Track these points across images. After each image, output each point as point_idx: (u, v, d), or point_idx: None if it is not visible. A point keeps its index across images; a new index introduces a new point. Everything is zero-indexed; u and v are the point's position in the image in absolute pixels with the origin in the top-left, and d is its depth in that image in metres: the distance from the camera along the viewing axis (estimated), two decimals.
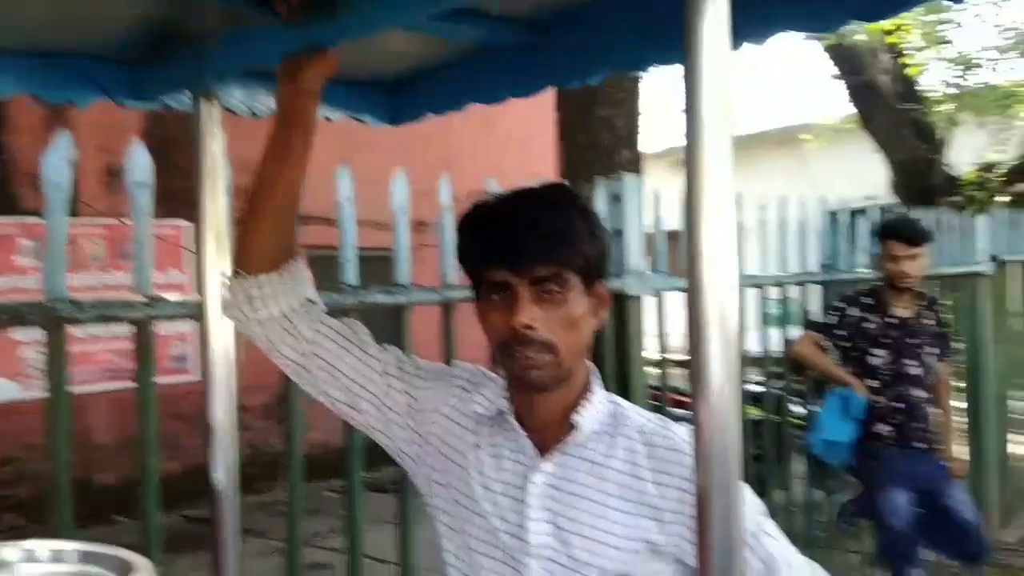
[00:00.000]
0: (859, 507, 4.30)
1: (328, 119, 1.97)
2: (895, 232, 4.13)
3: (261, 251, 1.54)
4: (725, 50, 1.04)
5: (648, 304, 3.18)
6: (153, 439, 1.96)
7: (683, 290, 3.25)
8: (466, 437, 1.51)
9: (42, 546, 1.40)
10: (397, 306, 2.44)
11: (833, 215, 4.57)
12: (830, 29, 1.69)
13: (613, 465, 1.44)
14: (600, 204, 2.99)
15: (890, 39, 10.76)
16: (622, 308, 3.00)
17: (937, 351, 4.23)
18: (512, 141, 9.72)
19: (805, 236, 4.31)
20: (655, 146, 11.65)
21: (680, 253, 3.42)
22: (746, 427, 1.11)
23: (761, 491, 1.48)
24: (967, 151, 11.52)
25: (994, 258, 5.88)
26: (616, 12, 1.67)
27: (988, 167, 11.42)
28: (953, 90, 11.64)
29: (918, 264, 4.10)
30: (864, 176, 11.49)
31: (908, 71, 11.00)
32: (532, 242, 1.36)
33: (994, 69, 11.76)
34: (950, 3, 5.70)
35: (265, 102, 1.91)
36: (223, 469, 1.79)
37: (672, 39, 1.57)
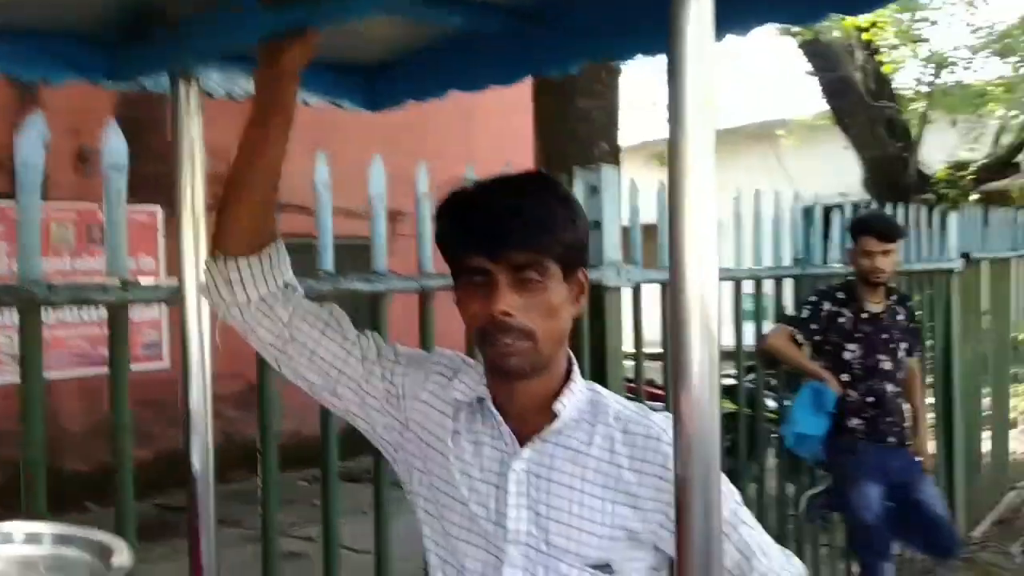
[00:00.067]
0: (830, 501, 4.34)
1: (306, 103, 1.95)
2: (868, 227, 4.17)
3: (240, 234, 1.52)
4: (710, 41, 1.04)
5: (624, 297, 3.19)
6: (127, 424, 1.94)
7: (660, 282, 3.25)
8: (445, 424, 1.51)
9: (17, 528, 1.38)
10: (375, 294, 2.43)
11: (807, 211, 4.60)
12: (812, 21, 1.71)
13: (592, 452, 1.45)
14: (578, 195, 2.99)
15: (866, 36, 10.84)
16: (599, 300, 3.00)
17: (908, 346, 4.28)
18: (488, 131, 9.72)
19: (779, 231, 4.34)
20: (631, 139, 11.67)
21: (655, 247, 3.44)
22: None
23: (734, 484, 1.49)
24: (939, 149, 11.64)
25: (965, 255, 5.94)
26: (599, 1, 1.66)
27: (960, 165, 11.55)
28: (926, 88, 11.74)
29: (891, 260, 4.13)
30: (837, 173, 11.58)
31: (883, 69, 11.09)
32: (511, 229, 1.35)
33: (965, 68, 11.88)
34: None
35: (243, 85, 1.89)
36: (199, 455, 1.77)
37: (656, 29, 1.58)
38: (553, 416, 1.44)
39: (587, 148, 5.59)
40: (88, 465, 7.18)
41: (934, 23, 11.96)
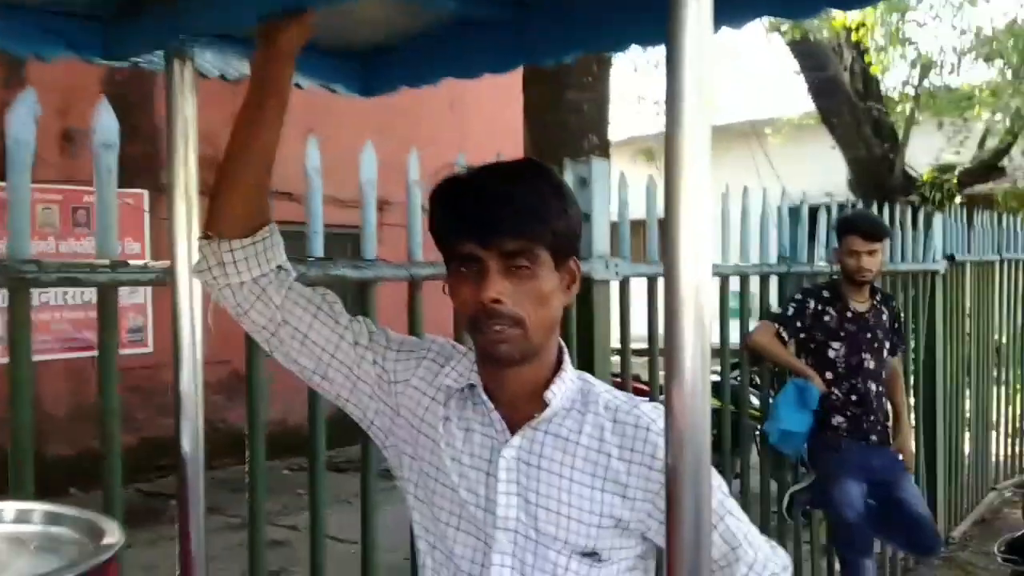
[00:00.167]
0: (813, 498, 4.36)
1: (299, 86, 1.94)
2: (854, 227, 4.19)
3: (234, 216, 1.52)
4: (709, 32, 1.04)
5: (612, 290, 3.19)
6: (116, 408, 1.93)
7: (648, 276, 3.25)
8: (436, 410, 1.51)
9: (7, 507, 1.38)
10: (363, 281, 2.42)
11: (794, 209, 4.62)
12: (807, 15, 1.71)
13: (581, 441, 1.45)
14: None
15: (854, 37, 10.88)
16: (587, 293, 3.00)
17: (891, 345, 4.31)
18: (477, 122, 9.70)
19: (766, 228, 4.35)
20: (618, 134, 11.68)
21: (640, 243, 3.44)
22: None
23: None
24: (925, 151, 11.70)
25: (950, 258, 5.97)
26: None
27: (945, 168, 11.61)
28: (912, 91, 11.80)
29: (876, 259, 4.15)
30: (823, 173, 11.62)
31: (871, 70, 11.13)
32: (502, 216, 1.36)
33: (952, 72, 11.93)
34: None
35: (236, 66, 1.88)
36: (189, 439, 1.76)
37: (652, 19, 1.59)
38: (544, 404, 1.45)
39: (577, 140, 5.59)
40: (72, 450, 7.14)
41: (922, 25, 12.02)
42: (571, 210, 1.44)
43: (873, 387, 4.17)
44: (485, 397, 1.48)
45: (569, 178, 2.97)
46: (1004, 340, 7.28)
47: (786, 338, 4.20)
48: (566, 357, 1.51)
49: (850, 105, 10.92)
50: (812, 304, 4.18)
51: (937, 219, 5.85)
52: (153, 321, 8.03)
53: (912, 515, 4.14)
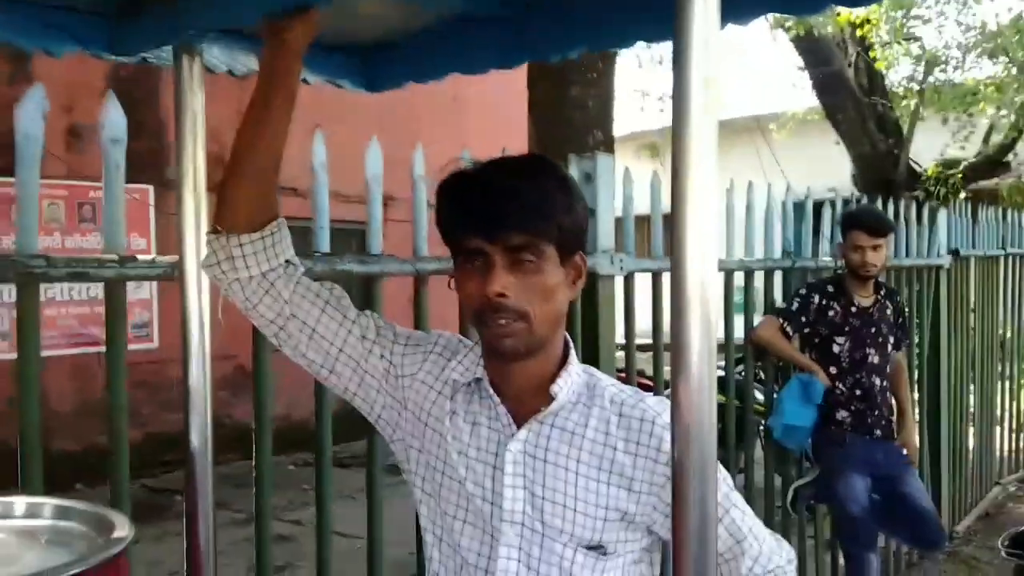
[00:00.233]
0: (817, 492, 4.36)
1: (306, 82, 1.95)
2: (858, 222, 4.18)
3: (242, 211, 1.52)
4: (715, 28, 1.05)
5: (617, 285, 3.20)
6: (123, 403, 1.94)
7: (653, 271, 3.25)
8: (443, 404, 1.52)
9: (18, 501, 1.39)
10: (369, 276, 2.43)
11: (799, 205, 4.62)
12: (813, 12, 1.71)
13: (587, 434, 1.46)
14: None
15: (859, 32, 10.87)
16: (593, 288, 3.00)
17: (896, 340, 4.32)
18: (481, 117, 9.70)
19: (770, 223, 4.35)
20: (622, 130, 11.69)
21: (644, 238, 3.45)
22: None
23: None
24: (929, 147, 11.69)
25: (954, 252, 5.97)
26: None
27: (950, 163, 11.60)
28: (917, 86, 11.78)
29: (880, 254, 4.15)
30: (827, 168, 11.62)
31: (875, 65, 11.12)
32: (508, 211, 1.37)
33: (956, 67, 11.92)
34: None
35: (244, 61, 1.89)
36: (197, 433, 1.77)
37: (657, 15, 1.59)
38: (550, 398, 1.45)
39: (581, 136, 5.60)
40: (77, 445, 7.16)
41: (927, 21, 12.00)
42: (577, 205, 1.45)
43: (877, 382, 4.17)
44: (491, 391, 1.49)
45: (574, 174, 2.98)
46: (1008, 335, 7.27)
47: (790, 333, 4.20)
48: (572, 351, 1.52)
49: (854, 101, 10.91)
50: (816, 299, 4.18)
51: (941, 214, 5.84)
52: (159, 317, 8.04)
53: (916, 509, 4.14)
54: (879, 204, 5.04)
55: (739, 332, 4.22)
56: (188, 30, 1.65)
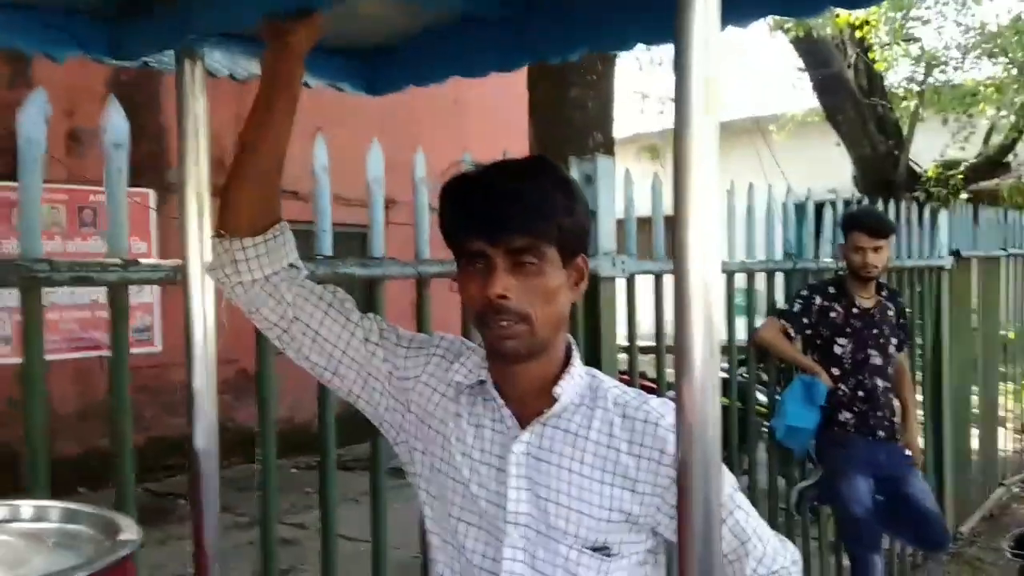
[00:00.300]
0: (820, 494, 4.36)
1: (307, 85, 1.96)
2: (859, 223, 4.19)
3: (245, 215, 1.53)
4: (716, 30, 1.05)
5: (618, 287, 3.20)
6: (127, 406, 1.94)
7: (654, 273, 3.25)
8: (447, 406, 1.52)
9: (25, 505, 1.39)
10: (372, 279, 2.43)
11: (800, 206, 4.62)
12: (812, 14, 1.71)
13: (591, 436, 1.46)
14: None
15: (858, 34, 10.88)
16: (594, 290, 3.01)
17: (898, 341, 4.32)
18: (481, 120, 9.70)
19: (772, 225, 4.35)
20: (622, 132, 11.69)
21: (648, 239, 3.45)
22: None
23: None
24: (930, 148, 11.69)
25: (955, 253, 5.97)
26: None
27: (950, 164, 11.60)
28: (917, 87, 11.78)
29: (882, 255, 4.15)
30: (827, 169, 11.61)
31: (875, 67, 11.12)
32: (508, 213, 1.37)
33: (956, 68, 11.92)
34: None
35: (245, 65, 1.89)
36: (203, 435, 1.77)
37: (657, 16, 1.60)
38: (553, 400, 1.46)
39: (582, 138, 5.60)
40: (80, 449, 7.17)
41: (926, 22, 12.00)
42: (579, 208, 1.45)
43: (880, 383, 4.17)
44: (495, 393, 1.49)
45: (574, 176, 2.98)
46: (1011, 335, 7.27)
47: (792, 334, 4.20)
48: (575, 353, 1.52)
49: (854, 102, 10.91)
50: (818, 300, 4.19)
51: (943, 215, 5.85)
52: (161, 320, 8.05)
53: (920, 510, 4.14)
54: (880, 205, 5.04)
55: (741, 334, 4.22)
56: (190, 33, 1.66)
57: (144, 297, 7.83)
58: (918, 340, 5.42)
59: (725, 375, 4.24)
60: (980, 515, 6.37)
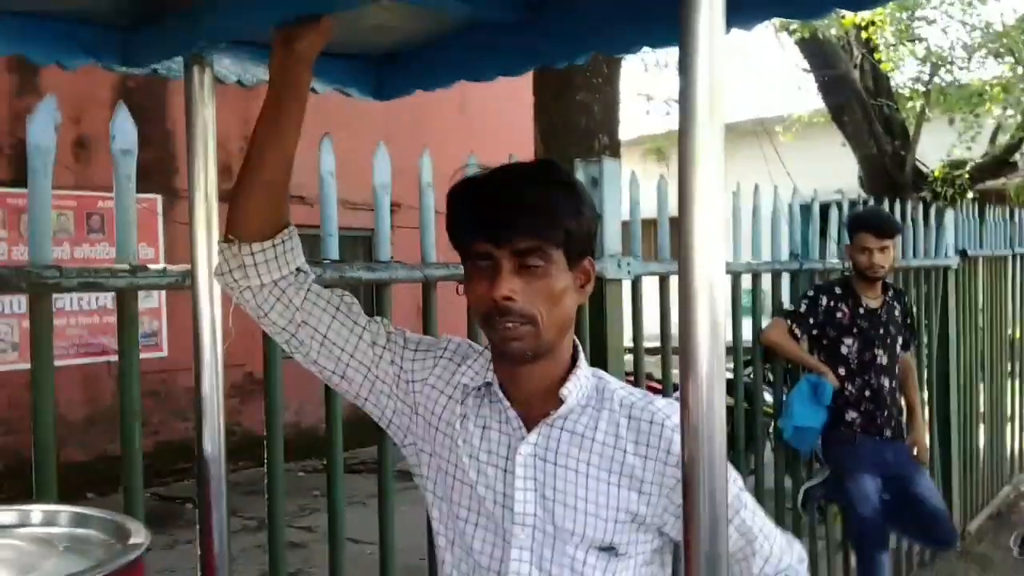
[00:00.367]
0: (827, 493, 4.37)
1: (315, 91, 1.97)
2: (866, 223, 4.19)
3: (253, 219, 1.54)
4: (720, 33, 1.06)
5: (624, 289, 3.20)
6: (136, 410, 1.95)
7: (660, 275, 3.26)
8: (453, 408, 1.53)
9: (35, 509, 1.40)
10: (378, 283, 2.44)
11: (805, 207, 4.62)
12: (817, 16, 1.72)
13: (597, 437, 1.47)
14: None
15: (864, 34, 10.86)
16: (600, 292, 3.01)
17: (904, 341, 4.32)
18: (486, 123, 9.72)
19: (778, 226, 4.36)
20: (628, 133, 11.69)
21: (652, 240, 3.46)
22: None
23: None
24: (936, 148, 11.66)
25: (962, 253, 5.96)
26: None
27: (957, 164, 11.58)
28: (923, 87, 11.76)
29: (888, 256, 4.16)
30: (833, 170, 11.59)
31: (881, 67, 11.10)
32: (513, 214, 1.38)
33: (962, 68, 11.90)
34: None
35: (254, 72, 1.90)
36: (210, 439, 1.78)
37: (662, 20, 1.60)
38: (559, 401, 1.46)
39: (587, 141, 5.61)
40: (87, 455, 7.19)
41: (932, 22, 11.98)
42: (585, 210, 1.46)
43: (886, 382, 4.17)
44: (501, 395, 1.50)
45: (580, 178, 2.99)
46: (1018, 334, 7.26)
47: (799, 335, 4.21)
48: (581, 355, 1.53)
49: (860, 102, 10.89)
50: (824, 301, 4.19)
51: (949, 215, 5.84)
52: (168, 325, 8.07)
53: (928, 509, 4.14)
54: (886, 205, 5.04)
55: (748, 335, 4.22)
56: (199, 40, 1.67)
57: (151, 303, 7.86)
58: (924, 339, 5.41)
59: (731, 376, 4.24)
60: (987, 513, 6.36)
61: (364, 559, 2.85)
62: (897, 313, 4.30)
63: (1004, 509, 6.62)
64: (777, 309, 4.40)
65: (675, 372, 1.22)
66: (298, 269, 1.58)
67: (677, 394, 1.13)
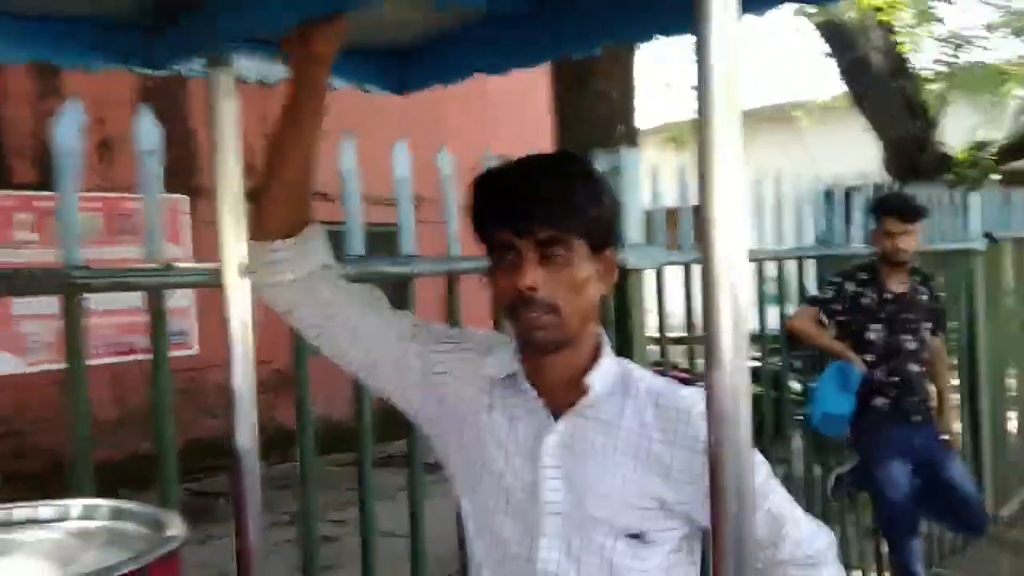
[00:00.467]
0: (856, 480, 4.35)
1: (334, 87, 1.98)
2: (890, 208, 4.17)
3: (278, 217, 1.55)
4: (735, 20, 1.06)
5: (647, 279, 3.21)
6: (169, 406, 1.98)
7: (683, 264, 3.26)
8: (480, 400, 1.54)
9: (75, 503, 1.43)
10: (403, 277, 2.46)
11: (828, 192, 4.60)
12: (830, 1, 1.71)
13: (624, 425, 1.48)
14: None
15: (882, 16, 10.76)
16: (623, 282, 3.02)
17: (931, 326, 4.29)
18: (505, 115, 9.72)
19: (801, 212, 4.34)
20: (646, 122, 11.65)
21: (674, 229, 3.46)
22: None
23: None
24: (958, 130, 11.55)
25: (988, 235, 5.91)
26: None
27: (980, 146, 11.46)
28: (944, 68, 11.64)
29: (913, 240, 4.13)
30: (856, 154, 11.51)
31: (900, 49, 11.00)
32: (535, 205, 1.39)
33: (984, 48, 11.76)
34: None
35: (275, 70, 1.92)
36: (244, 434, 1.80)
37: (678, 7, 1.60)
38: (585, 390, 1.47)
39: (605, 130, 5.59)
40: (119, 453, 7.26)
41: (951, 2, 11.86)
42: (605, 200, 1.47)
43: (914, 368, 4.15)
44: (527, 385, 1.51)
45: (600, 168, 2.99)
46: None
47: (826, 321, 4.19)
48: (605, 344, 1.54)
49: (881, 85, 10.80)
50: (849, 286, 4.17)
51: (974, 197, 5.80)
52: (198, 323, 8.14)
53: (959, 495, 4.12)
54: (911, 189, 5.01)
55: (774, 322, 4.21)
56: (221, 40, 1.69)
57: (180, 302, 7.92)
58: (953, 323, 5.37)
59: (757, 363, 4.23)
60: (1020, 499, 6.31)
61: (393, 552, 2.87)
62: (924, 298, 4.27)
63: None
64: (802, 296, 4.39)
65: (702, 361, 1.22)
66: (324, 265, 1.60)
67: (702, 383, 1.14)
